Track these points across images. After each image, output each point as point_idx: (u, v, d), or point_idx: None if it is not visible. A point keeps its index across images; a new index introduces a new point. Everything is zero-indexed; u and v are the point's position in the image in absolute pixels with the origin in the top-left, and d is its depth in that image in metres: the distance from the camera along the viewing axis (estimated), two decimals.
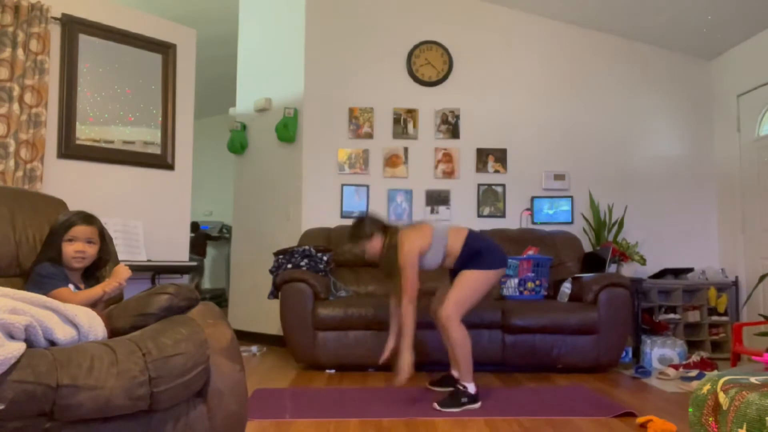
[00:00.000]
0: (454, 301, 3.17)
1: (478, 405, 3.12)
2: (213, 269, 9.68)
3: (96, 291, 2.11)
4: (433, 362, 4.06)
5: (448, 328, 3.17)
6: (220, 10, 6.23)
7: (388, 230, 3.34)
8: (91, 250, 2.22)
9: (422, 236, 3.25)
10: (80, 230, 2.20)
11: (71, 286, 2.15)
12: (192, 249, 8.77)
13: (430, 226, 3.32)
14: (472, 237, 3.32)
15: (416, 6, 5.54)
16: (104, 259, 2.32)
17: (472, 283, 3.21)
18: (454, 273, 3.35)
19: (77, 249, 2.17)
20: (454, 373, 3.32)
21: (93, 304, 2.02)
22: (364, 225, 3.35)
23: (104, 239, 2.31)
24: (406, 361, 3.08)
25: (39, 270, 2.12)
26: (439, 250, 3.27)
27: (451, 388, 3.22)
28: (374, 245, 3.32)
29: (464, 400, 3.09)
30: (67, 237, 2.17)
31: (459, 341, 3.18)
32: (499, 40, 5.56)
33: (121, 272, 2.19)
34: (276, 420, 2.82)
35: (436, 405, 3.08)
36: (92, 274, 2.30)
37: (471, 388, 3.14)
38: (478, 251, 3.25)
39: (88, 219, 2.25)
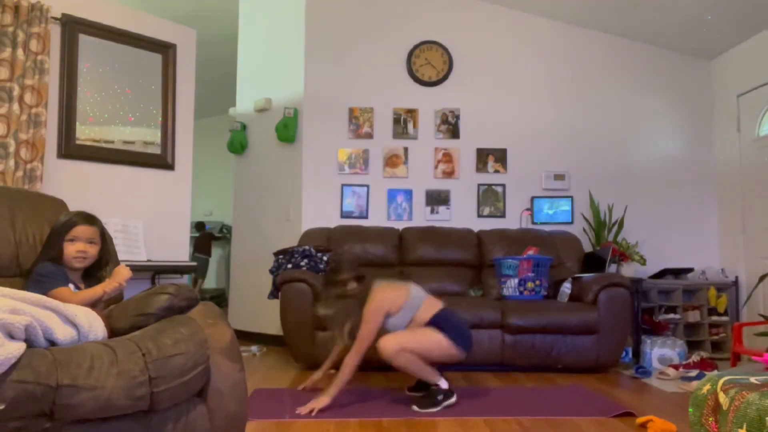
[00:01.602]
0: (402, 341, 3.06)
1: (454, 399, 3.11)
2: (213, 269, 9.69)
3: (96, 291, 2.11)
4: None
5: (390, 361, 3.08)
6: (220, 9, 6.23)
7: (362, 280, 3.27)
8: (92, 251, 2.23)
9: (394, 298, 3.15)
10: (82, 230, 2.20)
11: (71, 286, 2.15)
12: (197, 248, 8.82)
13: (407, 290, 3.21)
14: (443, 316, 3.19)
15: (416, 6, 5.54)
16: (105, 259, 2.32)
17: (429, 338, 3.10)
18: None
19: (79, 249, 2.18)
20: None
21: (93, 304, 2.02)
22: (341, 271, 3.29)
23: (105, 240, 2.31)
24: (322, 402, 2.96)
25: (39, 269, 2.12)
26: (406, 316, 3.17)
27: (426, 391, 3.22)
28: (352, 290, 3.24)
29: (440, 397, 3.08)
30: (69, 237, 2.17)
31: (404, 367, 3.10)
32: (499, 40, 5.56)
33: (122, 273, 2.19)
34: (276, 420, 2.81)
35: (414, 407, 3.05)
36: (93, 274, 2.30)
37: (443, 383, 3.12)
38: (442, 328, 3.13)
39: (89, 219, 2.25)
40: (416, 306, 3.19)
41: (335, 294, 3.30)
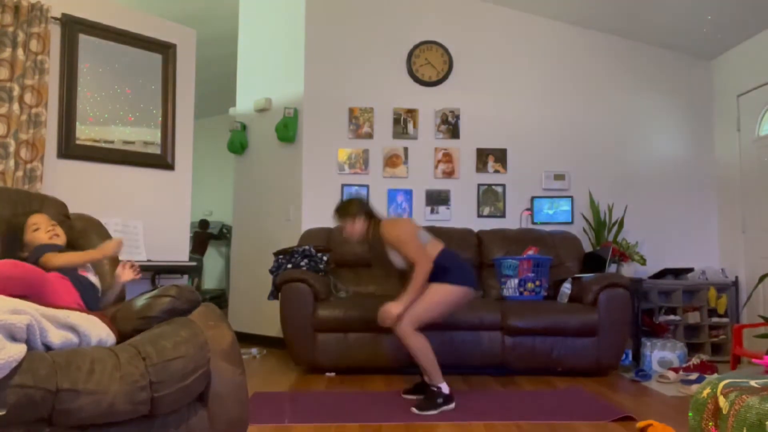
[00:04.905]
0: (413, 311, 3.18)
1: (452, 405, 3.14)
2: (214, 269, 9.68)
3: (80, 255, 2.18)
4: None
5: (403, 339, 3.20)
6: (220, 9, 6.22)
7: (373, 219, 3.37)
8: (60, 229, 2.33)
9: (410, 223, 3.31)
10: (36, 218, 2.31)
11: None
12: (191, 248, 8.78)
13: (415, 225, 3.34)
14: (447, 253, 3.32)
15: (416, 6, 5.53)
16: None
17: (435, 296, 3.21)
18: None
19: (47, 230, 2.27)
20: (426, 378, 3.31)
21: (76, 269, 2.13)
22: (352, 205, 3.38)
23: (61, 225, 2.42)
24: (394, 309, 3.11)
25: (33, 254, 2.17)
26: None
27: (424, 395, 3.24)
28: (355, 227, 3.34)
29: (440, 400, 3.11)
30: (32, 228, 2.26)
31: (417, 349, 3.19)
32: (499, 40, 5.56)
33: (109, 246, 2.24)
34: (275, 425, 2.80)
35: (414, 409, 3.08)
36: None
37: (444, 388, 3.16)
38: (446, 267, 3.24)
39: (35, 211, 2.39)
40: (426, 238, 3.30)
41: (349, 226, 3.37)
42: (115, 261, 2.49)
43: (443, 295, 3.22)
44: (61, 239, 2.28)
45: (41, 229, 2.24)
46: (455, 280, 3.22)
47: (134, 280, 2.37)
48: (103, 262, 2.48)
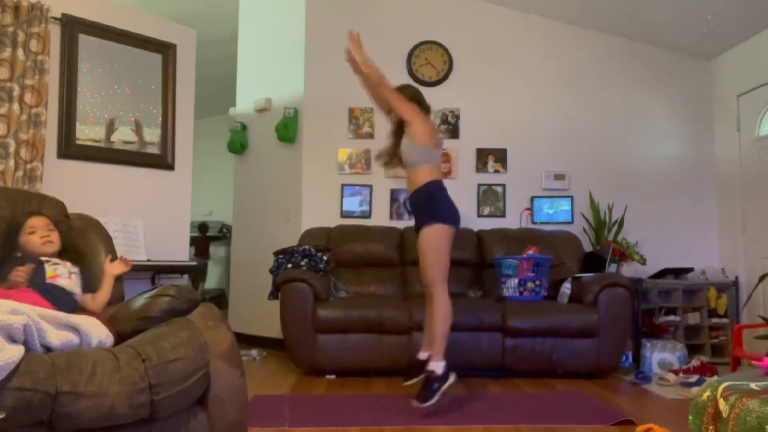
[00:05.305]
0: (428, 263, 3.20)
1: (452, 379, 3.10)
2: (212, 269, 9.67)
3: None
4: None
5: (433, 292, 3.18)
6: (220, 10, 6.21)
7: (421, 108, 3.45)
8: (54, 235, 2.31)
9: (432, 129, 3.39)
10: (36, 221, 2.29)
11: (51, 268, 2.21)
12: (196, 252, 8.76)
13: (438, 140, 3.48)
14: (437, 187, 3.31)
15: (416, 6, 5.53)
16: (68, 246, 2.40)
17: (432, 240, 3.20)
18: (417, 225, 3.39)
19: (42, 235, 2.25)
20: (422, 355, 3.24)
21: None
22: (409, 89, 3.54)
23: (59, 228, 2.39)
24: (362, 53, 3.40)
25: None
26: (423, 157, 3.32)
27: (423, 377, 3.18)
28: (402, 106, 3.38)
29: (436, 385, 3.05)
30: (28, 231, 2.25)
31: (440, 310, 3.16)
32: (499, 40, 5.55)
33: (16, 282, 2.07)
34: (275, 428, 2.77)
35: (415, 403, 3.02)
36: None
37: (439, 367, 3.09)
38: (434, 206, 3.24)
39: (38, 212, 2.36)
40: (433, 158, 3.36)
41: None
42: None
43: (438, 240, 3.20)
44: (54, 246, 2.25)
45: (36, 234, 2.23)
46: (440, 218, 3.21)
47: (125, 273, 2.35)
48: (100, 260, 2.46)
